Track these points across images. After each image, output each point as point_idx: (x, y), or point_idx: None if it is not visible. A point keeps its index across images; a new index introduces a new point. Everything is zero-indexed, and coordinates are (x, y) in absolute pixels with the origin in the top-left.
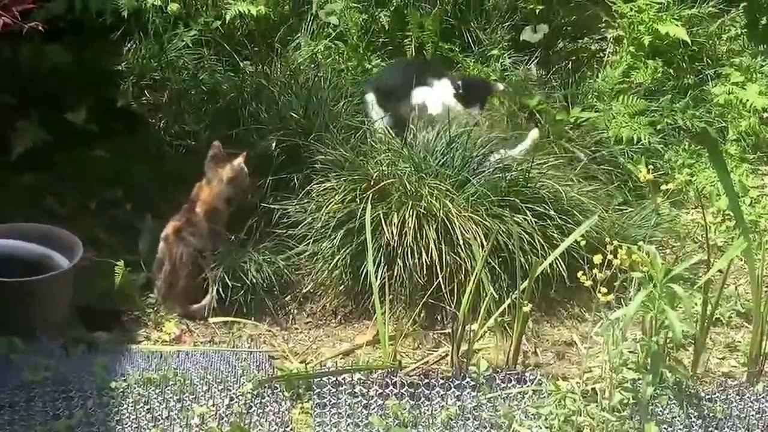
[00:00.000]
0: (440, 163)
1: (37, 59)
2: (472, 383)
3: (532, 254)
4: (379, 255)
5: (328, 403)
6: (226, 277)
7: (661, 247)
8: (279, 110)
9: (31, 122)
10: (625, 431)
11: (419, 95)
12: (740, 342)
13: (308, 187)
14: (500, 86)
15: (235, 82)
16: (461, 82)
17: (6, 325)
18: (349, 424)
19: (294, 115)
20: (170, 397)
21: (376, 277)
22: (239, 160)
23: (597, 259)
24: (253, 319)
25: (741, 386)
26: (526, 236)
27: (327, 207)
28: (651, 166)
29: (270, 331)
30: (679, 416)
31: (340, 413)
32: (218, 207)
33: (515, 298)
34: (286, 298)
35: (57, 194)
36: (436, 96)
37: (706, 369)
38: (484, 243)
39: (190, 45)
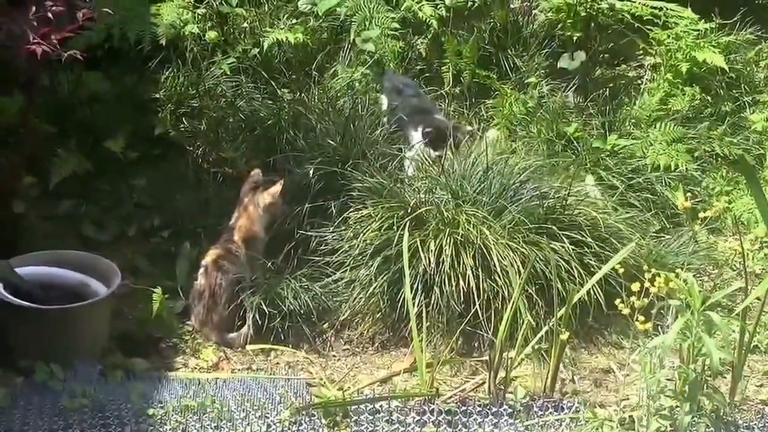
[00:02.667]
0: (477, 190)
1: (75, 87)
2: (510, 410)
3: (570, 281)
4: (416, 282)
5: (365, 430)
6: (263, 304)
7: (698, 275)
8: (316, 138)
9: (70, 150)
10: None
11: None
12: None
13: (345, 215)
14: (468, 127)
15: (273, 110)
16: (426, 136)
17: (45, 351)
18: None
19: (331, 142)
20: (208, 425)
21: (414, 305)
22: (277, 188)
23: (635, 286)
24: (290, 346)
25: None
26: (563, 263)
27: (364, 234)
28: (688, 194)
29: (307, 358)
30: None
31: None
32: (257, 234)
33: (552, 325)
34: (324, 326)
35: (95, 222)
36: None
37: (744, 396)
38: (521, 270)
39: (228, 73)
